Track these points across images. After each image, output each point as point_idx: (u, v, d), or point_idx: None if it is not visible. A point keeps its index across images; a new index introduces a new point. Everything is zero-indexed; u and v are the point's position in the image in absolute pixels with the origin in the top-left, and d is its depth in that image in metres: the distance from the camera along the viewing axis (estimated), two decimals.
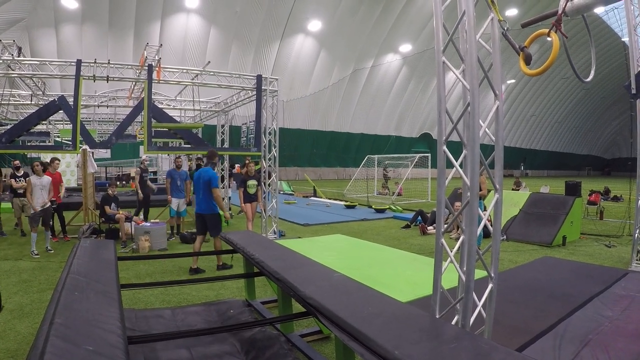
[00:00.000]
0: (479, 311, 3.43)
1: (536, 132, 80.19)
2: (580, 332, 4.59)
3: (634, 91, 7.84)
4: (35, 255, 9.21)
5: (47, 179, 9.98)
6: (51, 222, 10.25)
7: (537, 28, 3.72)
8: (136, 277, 7.60)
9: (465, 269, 3.18)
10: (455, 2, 3.34)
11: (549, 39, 3.24)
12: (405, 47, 49.64)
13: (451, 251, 3.34)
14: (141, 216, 12.47)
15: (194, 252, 7.90)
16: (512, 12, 45.74)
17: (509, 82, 61.06)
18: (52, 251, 9.70)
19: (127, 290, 6.18)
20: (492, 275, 3.39)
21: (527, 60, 3.14)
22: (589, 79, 4.35)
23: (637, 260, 8.85)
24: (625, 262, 9.10)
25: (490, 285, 3.41)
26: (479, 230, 3.19)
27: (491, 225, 3.53)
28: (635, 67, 8.06)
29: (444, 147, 3.27)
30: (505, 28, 3.14)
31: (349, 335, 2.69)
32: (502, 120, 3.32)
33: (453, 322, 3.33)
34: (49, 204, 9.92)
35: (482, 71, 3.29)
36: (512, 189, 20.20)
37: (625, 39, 8.70)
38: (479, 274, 4.07)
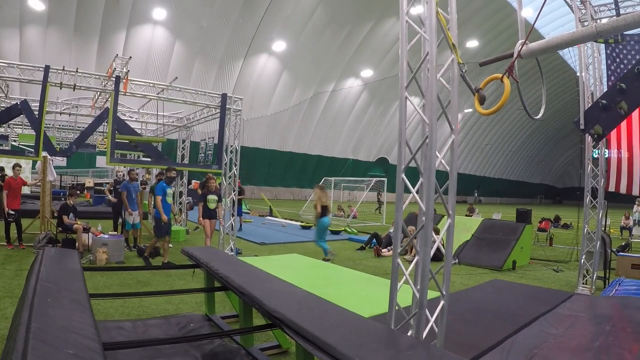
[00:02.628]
0: (432, 326, 3.70)
1: (491, 160, 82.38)
2: (526, 347, 4.88)
3: (582, 127, 8.38)
4: None
5: None
6: None
7: (494, 69, 4.09)
8: (94, 289, 7.54)
9: (419, 287, 3.45)
10: (420, 42, 3.67)
11: (502, 83, 3.57)
12: (367, 72, 50.42)
13: (406, 270, 3.61)
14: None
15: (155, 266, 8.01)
16: (472, 43, 47.33)
17: (466, 111, 62.74)
18: None
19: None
20: (444, 293, 3.68)
21: (482, 101, 3.46)
22: (538, 117, 4.74)
23: (583, 283, 9.38)
24: (572, 286, 9.61)
25: (441, 302, 3.69)
26: (432, 251, 3.47)
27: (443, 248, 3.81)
28: (584, 104, 8.66)
29: (403, 175, 3.55)
30: (464, 70, 3.47)
31: (312, 345, 2.90)
32: (457, 151, 3.64)
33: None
34: None
35: (441, 107, 3.60)
36: (466, 215, 20.88)
37: (584, 73, 9.33)
38: (432, 294, 4.33)
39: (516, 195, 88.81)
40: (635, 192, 9.64)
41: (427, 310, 3.65)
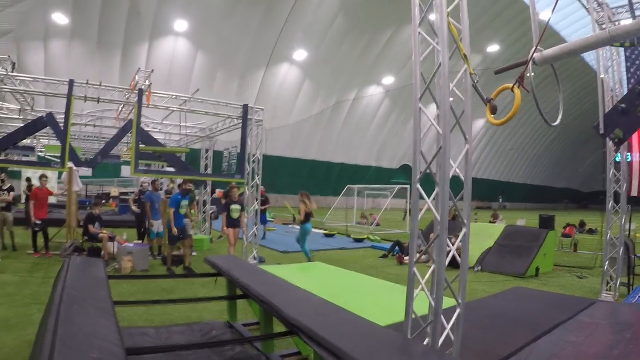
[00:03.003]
0: (448, 334, 3.74)
1: (515, 165, 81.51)
2: (544, 355, 4.85)
3: (601, 131, 8.31)
4: None
5: None
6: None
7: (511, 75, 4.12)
8: (118, 296, 7.69)
9: (434, 295, 3.50)
10: (433, 52, 3.74)
11: (512, 92, 3.61)
12: (388, 80, 50.44)
13: (422, 279, 3.66)
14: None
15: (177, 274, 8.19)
16: (493, 48, 47.00)
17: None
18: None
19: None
20: (459, 301, 3.71)
21: (493, 111, 3.50)
22: (555, 123, 4.75)
23: (606, 290, 9.25)
24: (595, 293, 9.47)
25: (457, 310, 3.73)
26: (448, 259, 3.51)
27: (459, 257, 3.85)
28: (604, 107, 8.58)
29: (418, 185, 3.61)
30: (476, 80, 3.52)
31: (327, 351, 2.98)
32: (471, 160, 3.69)
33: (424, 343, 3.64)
34: None
35: (454, 117, 3.65)
36: (490, 222, 20.68)
37: (608, 75, 9.24)
38: (450, 302, 4.36)
39: (541, 200, 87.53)
40: None
41: (443, 318, 3.69)
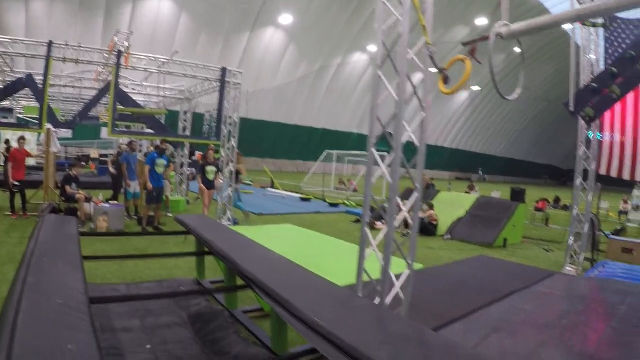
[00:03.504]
0: (399, 293, 3.97)
1: (497, 139, 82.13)
2: (493, 320, 5.07)
3: (571, 108, 8.50)
4: None
5: None
6: None
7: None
8: (93, 254, 7.90)
9: (383, 255, 3.71)
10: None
11: (463, 63, 3.76)
12: (374, 47, 49.91)
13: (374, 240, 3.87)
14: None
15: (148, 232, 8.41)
16: (482, 21, 46.84)
17: (473, 88, 62.50)
18: None
19: (86, 264, 6.53)
20: (409, 262, 3.93)
21: (445, 80, 3.65)
22: (511, 97, 4.92)
23: (570, 264, 9.59)
24: (559, 266, 9.72)
25: (407, 271, 3.95)
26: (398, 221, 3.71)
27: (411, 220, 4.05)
28: (576, 86, 8.75)
29: (373, 149, 3.79)
30: (431, 50, 3.67)
31: (274, 301, 3.20)
32: (426, 128, 3.85)
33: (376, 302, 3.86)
34: None
35: (412, 85, 3.81)
36: (465, 192, 21.08)
37: (590, 55, 9.35)
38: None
39: (522, 175, 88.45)
40: (625, 176, 9.73)
41: (394, 278, 3.91)
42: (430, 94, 3.85)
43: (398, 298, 4.00)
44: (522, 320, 5.19)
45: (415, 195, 3.92)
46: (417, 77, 4.03)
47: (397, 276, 4.08)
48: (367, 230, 3.91)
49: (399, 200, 3.87)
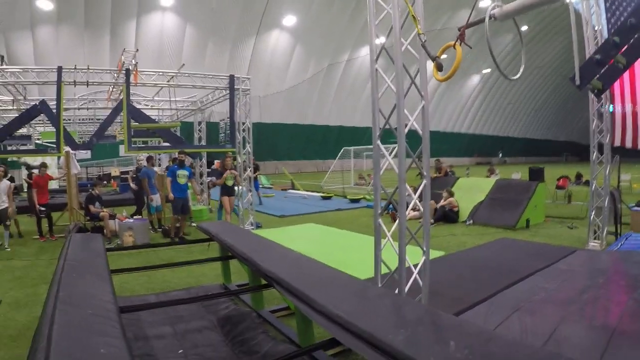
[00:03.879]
0: (418, 280, 4.05)
1: (514, 120, 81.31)
2: (514, 301, 5.06)
3: (577, 82, 8.45)
4: (6, 249, 10.16)
5: (5, 183, 10.71)
6: (8, 223, 10.84)
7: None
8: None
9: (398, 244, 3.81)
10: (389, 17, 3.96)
11: (454, 50, 3.82)
12: (381, 40, 49.84)
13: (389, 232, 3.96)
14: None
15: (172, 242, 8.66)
16: (485, 3, 46.30)
17: (484, 71, 62.02)
18: (9, 249, 10.21)
19: (115, 277, 6.75)
20: (424, 249, 4.02)
21: (439, 68, 3.72)
22: (515, 77, 4.96)
23: (593, 239, 9.54)
24: (583, 242, 9.68)
25: (423, 258, 4.04)
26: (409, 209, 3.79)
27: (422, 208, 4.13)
28: (580, 59, 8.69)
29: (378, 142, 3.88)
30: (424, 40, 3.74)
31: (296, 298, 3.32)
32: (428, 116, 3.93)
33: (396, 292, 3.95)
34: (5, 205, 10.57)
35: (409, 76, 3.90)
36: (486, 176, 20.93)
37: (602, 26, 9.24)
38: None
39: (542, 154, 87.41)
40: None
41: (412, 266, 4.00)
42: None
43: (418, 286, 4.09)
44: (543, 298, 5.18)
45: (423, 182, 4.00)
46: (416, 67, 4.11)
47: (416, 265, 4.16)
48: (381, 222, 4.00)
49: (409, 189, 3.96)
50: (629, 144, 9.70)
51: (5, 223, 10.58)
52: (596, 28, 9.24)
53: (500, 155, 79.11)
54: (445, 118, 67.49)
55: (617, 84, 9.35)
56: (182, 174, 11.27)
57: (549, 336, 3.93)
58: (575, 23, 8.93)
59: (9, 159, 23.82)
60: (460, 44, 3.69)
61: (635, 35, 7.08)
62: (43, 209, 11.64)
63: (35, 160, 19.00)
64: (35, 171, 13.89)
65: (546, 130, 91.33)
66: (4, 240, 10.24)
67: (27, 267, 8.61)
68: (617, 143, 9.78)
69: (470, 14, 3.82)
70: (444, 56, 4.13)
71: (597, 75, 7.98)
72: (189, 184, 11.66)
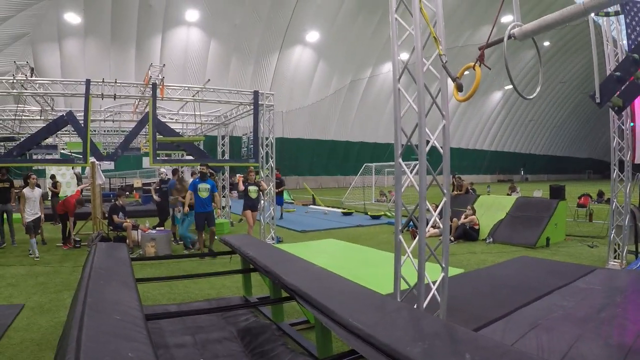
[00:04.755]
0: (436, 296, 4.11)
1: (535, 137, 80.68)
2: (532, 318, 5.11)
3: (598, 100, 8.43)
4: (36, 258, 10.24)
5: (38, 191, 10.93)
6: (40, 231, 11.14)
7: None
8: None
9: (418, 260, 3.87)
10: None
11: (474, 71, 3.89)
12: (404, 56, 49.90)
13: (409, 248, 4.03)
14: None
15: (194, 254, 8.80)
16: (507, 18, 46.14)
17: (506, 87, 61.73)
18: (38, 258, 10.31)
19: (138, 287, 6.91)
20: (443, 265, 4.07)
21: (459, 88, 3.80)
22: (532, 96, 5.00)
23: (614, 258, 9.44)
24: (603, 261, 9.61)
25: (442, 274, 4.09)
26: (429, 227, 3.86)
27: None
28: (599, 76, 8.67)
29: (400, 160, 3.97)
30: (445, 60, 3.83)
31: (316, 309, 3.40)
32: (448, 135, 4.01)
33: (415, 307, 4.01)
34: (39, 214, 10.80)
35: (430, 95, 3.98)
36: (507, 194, 20.79)
37: (623, 42, 9.22)
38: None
39: (563, 172, 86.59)
40: None
41: (430, 282, 4.06)
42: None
43: (436, 302, 4.14)
44: (561, 316, 5.21)
45: (444, 200, 4.07)
46: (437, 85, 4.20)
47: (435, 282, 4.21)
48: (401, 238, 4.08)
49: (429, 206, 4.02)
50: None
51: (37, 232, 10.82)
52: (618, 43, 9.21)
53: (522, 172, 78.42)
54: (467, 135, 67.26)
55: (637, 101, 9.28)
56: (203, 188, 11.11)
57: (565, 354, 3.96)
58: (595, 40, 8.93)
59: (33, 168, 24.36)
60: (480, 65, 3.76)
61: None
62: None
63: (59, 170, 19.45)
64: (60, 179, 14.20)
65: (568, 147, 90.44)
66: (34, 249, 10.41)
67: (50, 274, 8.81)
68: (638, 160, 9.68)
69: (490, 34, 3.88)
70: (466, 73, 4.21)
71: (618, 92, 7.98)
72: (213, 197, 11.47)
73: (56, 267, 9.40)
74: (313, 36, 45.08)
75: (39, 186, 11.73)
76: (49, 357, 4.75)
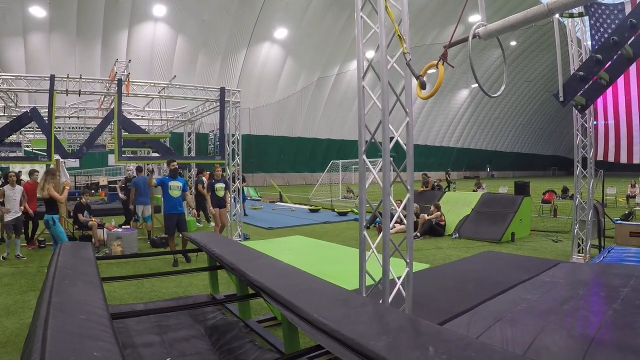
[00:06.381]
0: (401, 291, 4.17)
1: (502, 134, 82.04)
2: (496, 311, 5.15)
3: (561, 99, 8.65)
4: (17, 257, 9.97)
5: (19, 189, 10.52)
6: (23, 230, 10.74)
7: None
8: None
9: (382, 255, 3.93)
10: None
11: (437, 69, 3.98)
12: (371, 54, 50.24)
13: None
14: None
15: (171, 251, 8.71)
16: (475, 18, 46.81)
17: (473, 85, 62.62)
18: (25, 258, 10.09)
19: (104, 286, 6.81)
20: (408, 260, 4.14)
21: (422, 86, 3.87)
22: (497, 95, 5.11)
23: (577, 252, 9.70)
24: (567, 255, 9.88)
25: (406, 269, 4.16)
26: (393, 221, 3.92)
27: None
28: (562, 75, 8.90)
29: (364, 156, 4.01)
30: (409, 59, 3.89)
31: (282, 306, 3.42)
32: (412, 132, 4.07)
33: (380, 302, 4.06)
34: (20, 213, 10.45)
35: (394, 93, 4.04)
36: (473, 190, 21.16)
37: (587, 42, 9.44)
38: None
39: (530, 169, 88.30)
40: (622, 160, 9.79)
41: (395, 277, 4.11)
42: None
43: (401, 297, 4.20)
44: (525, 309, 5.26)
45: (407, 196, 4.13)
46: (402, 84, 4.26)
47: (400, 277, 4.28)
48: (366, 234, 4.13)
49: (393, 202, 4.08)
50: (611, 157, 9.86)
51: (21, 231, 10.53)
52: (582, 44, 9.46)
53: (489, 169, 79.75)
54: (434, 132, 67.97)
55: (600, 100, 9.55)
56: (175, 186, 9.83)
57: (529, 345, 4.03)
58: (559, 40, 9.16)
59: None
60: (443, 64, 3.84)
61: (618, 53, 7.29)
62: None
63: (24, 168, 18.98)
64: (24, 177, 13.86)
65: (534, 144, 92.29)
66: (17, 250, 10.14)
67: (15, 274, 8.61)
68: (600, 157, 9.97)
69: (453, 34, 3.96)
70: (432, 70, 4.28)
71: (581, 92, 8.19)
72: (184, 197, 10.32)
73: (21, 268, 9.19)
74: (281, 33, 44.88)
75: (19, 183, 11.41)
76: (15, 358, 4.67)
